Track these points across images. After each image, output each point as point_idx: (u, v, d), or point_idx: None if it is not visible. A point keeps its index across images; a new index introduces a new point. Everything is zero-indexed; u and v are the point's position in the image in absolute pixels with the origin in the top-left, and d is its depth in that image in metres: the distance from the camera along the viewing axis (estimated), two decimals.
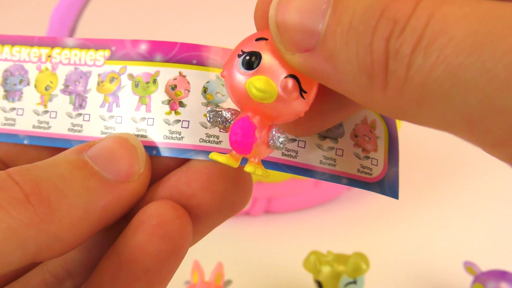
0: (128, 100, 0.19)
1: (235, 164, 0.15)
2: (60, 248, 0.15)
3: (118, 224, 0.17)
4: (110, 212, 0.16)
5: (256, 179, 0.42)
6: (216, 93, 0.18)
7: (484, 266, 0.35)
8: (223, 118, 0.16)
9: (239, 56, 0.15)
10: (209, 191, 0.17)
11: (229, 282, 0.35)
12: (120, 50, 0.19)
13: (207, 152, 0.18)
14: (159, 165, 0.18)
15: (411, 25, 0.12)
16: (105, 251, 0.17)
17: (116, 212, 0.16)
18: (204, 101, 0.18)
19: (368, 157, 0.19)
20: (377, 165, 0.19)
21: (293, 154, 0.18)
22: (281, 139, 0.15)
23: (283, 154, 0.18)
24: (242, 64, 0.15)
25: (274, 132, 0.15)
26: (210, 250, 0.41)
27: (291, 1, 0.13)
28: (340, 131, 0.19)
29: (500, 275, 0.33)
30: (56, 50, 0.20)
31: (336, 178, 0.18)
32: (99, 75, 0.19)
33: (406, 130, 0.53)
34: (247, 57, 0.15)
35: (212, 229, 0.18)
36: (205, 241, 0.42)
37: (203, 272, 0.34)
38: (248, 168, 0.15)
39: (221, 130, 0.17)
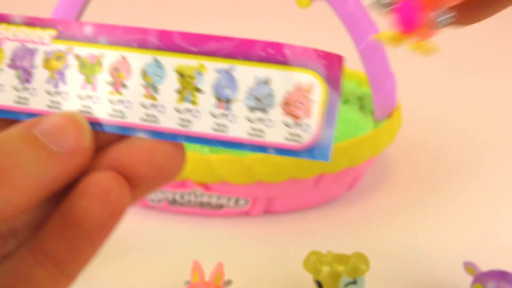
0: (74, 78, 0.20)
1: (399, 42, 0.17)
2: (12, 213, 0.17)
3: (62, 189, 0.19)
4: (59, 181, 0.18)
5: (255, 179, 0.42)
6: (154, 75, 0.19)
7: (484, 266, 0.36)
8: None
9: None
10: (148, 165, 0.19)
11: (229, 282, 0.35)
12: (66, 30, 0.20)
13: (147, 130, 0.19)
14: (102, 139, 0.20)
15: None
16: (48, 213, 0.19)
17: (64, 181, 0.18)
18: (143, 83, 0.19)
19: (298, 124, 0.19)
20: (308, 131, 0.19)
21: (223, 128, 0.19)
22: (445, 17, 0.16)
23: (213, 129, 0.19)
24: None
25: (439, 12, 0.17)
26: (210, 250, 0.41)
27: None
28: (270, 102, 0.19)
29: (500, 275, 0.33)
30: (3, 26, 0.21)
31: (262, 148, 0.19)
32: (45, 52, 0.20)
33: (406, 130, 0.53)
34: None
35: (147, 194, 0.20)
36: (205, 241, 0.42)
37: (203, 272, 0.34)
38: (413, 46, 0.17)
39: (386, 9, 0.19)
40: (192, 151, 0.43)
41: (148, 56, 0.19)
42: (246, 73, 0.19)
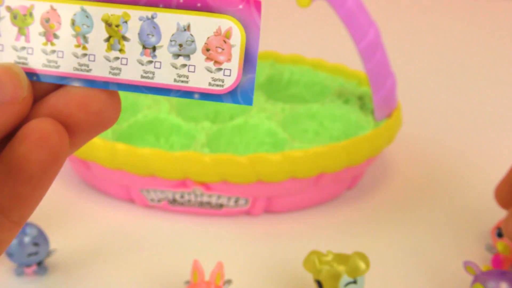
0: (8, 30, 0.21)
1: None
2: None
3: (3, 138, 0.20)
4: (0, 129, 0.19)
5: (255, 178, 0.42)
6: (82, 24, 0.20)
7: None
8: None
9: None
10: (84, 111, 0.20)
11: (229, 282, 0.35)
12: None
13: (80, 79, 0.20)
14: (39, 89, 0.21)
15: None
16: None
17: (4, 130, 0.19)
18: (74, 33, 0.20)
19: (220, 69, 0.20)
20: (230, 75, 0.20)
21: (150, 75, 0.20)
22: None
23: (142, 76, 0.20)
24: None
25: None
26: (210, 250, 0.41)
27: None
28: (192, 47, 0.20)
29: (500, 275, 0.33)
30: None
31: (188, 94, 0.20)
32: None
33: (406, 130, 0.53)
34: None
35: (86, 141, 0.21)
36: (205, 241, 0.42)
37: (203, 272, 0.34)
38: None
39: None
40: (193, 151, 0.43)
41: (75, 6, 0.20)
42: (168, 20, 0.19)
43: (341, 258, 0.33)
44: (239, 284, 0.37)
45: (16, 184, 0.19)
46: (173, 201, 0.44)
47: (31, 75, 0.21)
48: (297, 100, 0.55)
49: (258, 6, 0.19)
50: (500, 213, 0.42)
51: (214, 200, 0.44)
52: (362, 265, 0.33)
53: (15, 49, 0.21)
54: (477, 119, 0.62)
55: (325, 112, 0.50)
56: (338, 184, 0.47)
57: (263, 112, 0.49)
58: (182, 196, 0.44)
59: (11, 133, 0.20)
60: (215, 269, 0.34)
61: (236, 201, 0.44)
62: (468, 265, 0.36)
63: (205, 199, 0.44)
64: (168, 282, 0.38)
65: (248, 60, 0.19)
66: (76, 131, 0.20)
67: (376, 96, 0.46)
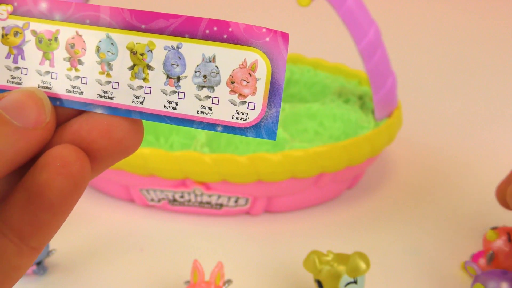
0: (32, 54, 0.21)
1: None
2: None
3: (25, 165, 0.20)
4: (22, 155, 0.19)
5: (255, 178, 0.42)
6: (107, 51, 0.20)
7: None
8: None
9: None
10: (107, 138, 0.20)
11: (229, 282, 0.35)
12: (22, 6, 0.21)
13: (103, 106, 0.20)
14: (62, 114, 0.20)
15: None
16: (12, 187, 0.20)
17: (27, 155, 0.19)
18: (98, 59, 0.20)
19: (244, 102, 0.19)
20: (254, 109, 0.19)
21: (174, 105, 0.20)
22: None
23: (165, 106, 0.20)
24: None
25: None
26: (210, 250, 0.41)
27: None
28: (217, 79, 0.19)
29: (501, 275, 0.33)
30: None
31: (212, 126, 0.20)
32: (3, 28, 0.21)
33: (406, 130, 0.53)
34: None
35: (107, 167, 0.21)
36: (205, 241, 0.42)
37: (203, 272, 0.34)
38: None
39: None
40: (193, 150, 0.43)
41: (101, 33, 0.20)
42: (193, 51, 0.19)
43: (341, 258, 0.33)
44: (239, 284, 0.37)
45: (37, 212, 0.19)
46: (173, 201, 0.44)
47: (55, 100, 0.20)
48: (297, 99, 0.55)
49: (285, 39, 0.19)
50: (500, 213, 0.42)
51: (214, 200, 0.44)
52: (362, 265, 0.33)
53: (39, 73, 0.21)
54: (477, 119, 0.62)
55: (325, 112, 0.50)
56: (338, 184, 0.46)
57: None
58: (182, 196, 0.44)
59: (33, 158, 0.20)
60: (215, 269, 0.34)
61: (236, 201, 0.44)
62: (468, 265, 0.36)
63: (205, 198, 0.43)
64: (168, 282, 0.38)
65: (273, 94, 0.19)
66: (97, 157, 0.20)
67: (376, 96, 0.46)
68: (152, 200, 0.45)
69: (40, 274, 0.38)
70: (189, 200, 0.44)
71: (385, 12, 0.73)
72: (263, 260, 0.41)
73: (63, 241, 0.41)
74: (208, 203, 0.44)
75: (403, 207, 0.47)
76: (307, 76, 0.56)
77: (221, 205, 0.44)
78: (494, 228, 0.38)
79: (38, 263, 0.38)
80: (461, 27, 0.87)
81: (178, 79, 0.20)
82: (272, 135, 0.19)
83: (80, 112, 0.20)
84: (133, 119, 0.20)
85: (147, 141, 0.48)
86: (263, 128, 0.19)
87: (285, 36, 0.19)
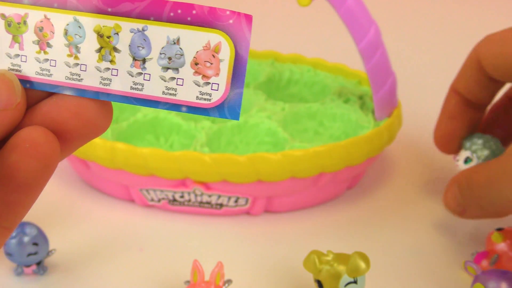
0: (2, 38, 0.21)
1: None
2: None
3: None
4: None
5: (255, 178, 0.41)
6: (75, 34, 0.20)
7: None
8: None
9: None
10: (76, 119, 0.20)
11: (229, 281, 0.35)
12: None
13: (72, 88, 0.21)
14: (32, 96, 0.21)
15: None
16: None
17: None
18: (66, 42, 0.20)
19: (208, 83, 0.20)
20: (217, 90, 0.20)
21: (140, 87, 0.20)
22: None
23: (131, 88, 0.20)
24: None
25: None
26: (210, 250, 0.41)
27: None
28: (181, 61, 0.20)
29: (501, 274, 0.33)
30: None
31: (176, 106, 0.20)
32: None
33: (406, 130, 0.53)
34: None
35: (77, 148, 0.21)
36: (205, 241, 0.42)
37: (203, 272, 0.34)
38: None
39: None
40: (192, 150, 0.43)
41: (68, 16, 0.20)
42: (158, 33, 0.20)
43: (342, 258, 0.33)
44: (239, 284, 0.37)
45: (7, 192, 0.19)
46: (173, 201, 0.44)
47: (25, 82, 0.21)
48: (297, 99, 0.55)
49: (249, 21, 0.19)
50: None
51: (214, 199, 0.44)
52: (362, 265, 0.33)
53: (9, 56, 0.21)
54: None
55: (325, 112, 0.50)
56: (338, 184, 0.46)
57: (263, 112, 0.49)
58: (182, 196, 0.44)
59: (3, 140, 0.20)
60: (215, 269, 0.34)
61: (236, 200, 0.44)
62: (468, 265, 0.36)
63: (205, 198, 0.43)
64: (168, 282, 0.38)
65: (237, 75, 0.19)
66: (67, 138, 0.20)
67: (376, 96, 0.46)
68: (152, 200, 0.45)
69: (40, 274, 0.38)
70: (189, 200, 0.44)
71: (385, 12, 0.73)
72: (263, 260, 0.40)
73: (63, 241, 0.41)
74: (208, 203, 0.44)
75: (403, 207, 0.47)
76: (307, 76, 0.56)
77: (221, 205, 0.44)
78: (499, 230, 0.38)
79: (38, 263, 0.38)
80: (461, 27, 0.87)
81: (144, 61, 0.20)
82: (235, 115, 0.20)
83: (49, 95, 0.21)
84: (98, 102, 0.20)
85: (147, 141, 0.48)
86: (227, 109, 0.20)
87: (248, 18, 0.19)
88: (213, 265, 0.35)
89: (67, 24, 0.20)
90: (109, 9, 0.20)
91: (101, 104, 0.20)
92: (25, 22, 0.21)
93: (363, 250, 0.35)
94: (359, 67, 0.50)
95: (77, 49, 0.20)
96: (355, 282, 0.33)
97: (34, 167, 0.19)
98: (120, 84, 0.20)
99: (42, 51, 0.21)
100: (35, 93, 0.21)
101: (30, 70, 0.21)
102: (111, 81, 0.20)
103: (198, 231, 0.44)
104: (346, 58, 0.56)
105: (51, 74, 0.21)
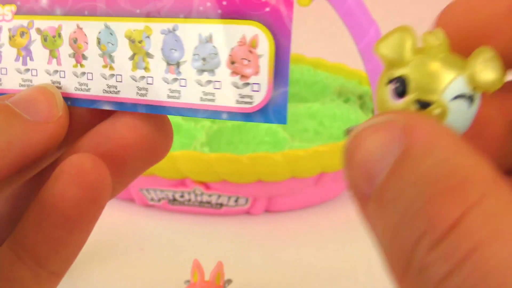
0: (40, 54, 0.20)
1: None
2: None
3: (44, 178, 0.18)
4: (33, 149, 0.17)
5: (255, 178, 0.41)
6: (108, 42, 0.19)
7: None
8: None
9: None
10: (134, 133, 0.18)
11: (229, 281, 0.35)
12: (24, 4, 0.20)
13: (110, 102, 0.19)
14: (75, 116, 0.19)
15: (444, 246, 0.11)
16: (29, 205, 0.18)
17: (39, 150, 0.18)
18: (100, 52, 0.19)
19: (247, 84, 0.17)
20: (259, 91, 0.17)
21: (177, 94, 0.18)
22: None
23: (168, 96, 0.18)
24: None
25: None
26: (210, 249, 0.41)
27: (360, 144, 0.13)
28: (216, 61, 0.17)
29: None
30: None
31: (216, 114, 0.18)
32: (9, 29, 0.20)
33: None
34: None
35: (134, 178, 0.19)
36: (205, 241, 0.42)
37: (203, 272, 0.34)
38: None
39: None
40: (192, 149, 0.43)
41: (99, 23, 0.19)
42: (190, 32, 0.17)
43: (455, 60, 0.17)
44: (239, 284, 0.37)
45: (51, 228, 0.17)
46: (173, 201, 0.44)
47: (66, 100, 0.19)
48: (297, 99, 0.55)
49: (289, 6, 0.17)
50: None
51: (214, 199, 0.44)
52: (497, 74, 0.16)
53: (48, 73, 0.20)
54: None
55: (326, 111, 0.50)
56: (338, 184, 0.46)
57: None
58: (182, 196, 0.44)
59: (47, 168, 0.18)
60: (215, 269, 0.34)
61: (236, 200, 0.44)
62: None
63: (205, 198, 0.43)
64: (168, 281, 0.38)
65: (279, 71, 0.17)
66: (122, 165, 0.18)
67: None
68: (152, 199, 0.45)
69: None
70: (189, 200, 0.44)
71: (385, 12, 0.73)
72: (263, 260, 0.40)
73: None
74: (208, 202, 0.44)
75: None
76: (307, 75, 0.56)
77: (221, 205, 0.44)
78: None
79: None
80: None
81: (178, 65, 0.18)
82: (282, 119, 0.17)
83: (100, 120, 0.19)
84: (157, 120, 0.19)
85: None
86: (272, 112, 0.17)
87: (288, 3, 0.16)
88: (213, 264, 0.35)
89: (99, 32, 0.19)
90: (138, 11, 0.18)
91: (156, 121, 0.18)
92: (59, 35, 0.20)
93: (363, 250, 0.35)
94: (359, 67, 0.50)
95: (111, 59, 0.19)
96: (470, 98, 0.16)
97: (80, 197, 0.17)
98: (157, 93, 0.18)
99: (79, 64, 0.19)
100: (76, 111, 0.19)
101: (70, 86, 0.20)
102: (147, 91, 0.18)
103: (198, 231, 0.44)
104: (346, 58, 0.56)
105: (89, 89, 0.19)
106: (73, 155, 0.18)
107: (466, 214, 0.11)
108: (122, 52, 0.19)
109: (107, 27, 0.19)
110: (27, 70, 0.20)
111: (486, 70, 0.15)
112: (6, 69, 0.20)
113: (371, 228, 0.13)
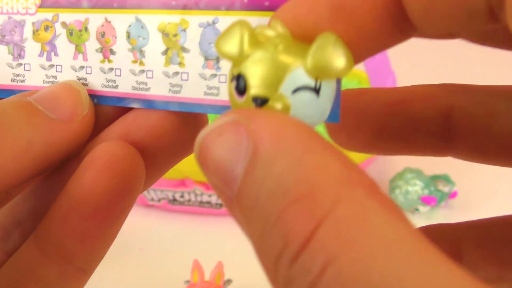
0: (65, 49, 0.19)
1: None
2: (3, 180, 0.15)
3: (70, 170, 0.17)
4: (55, 149, 0.16)
5: None
6: (138, 36, 0.18)
7: None
8: None
9: None
10: (168, 121, 0.17)
11: (229, 281, 0.35)
12: None
13: (139, 100, 0.18)
14: (102, 115, 0.18)
15: (302, 261, 0.10)
16: (55, 198, 0.17)
17: (62, 150, 0.17)
18: (130, 46, 0.18)
19: None
20: None
21: (215, 91, 0.17)
22: None
23: (205, 93, 0.17)
24: None
25: None
26: (210, 250, 0.41)
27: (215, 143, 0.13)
28: None
29: None
30: None
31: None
32: (33, 23, 0.19)
33: None
34: None
35: (167, 169, 0.18)
36: (205, 240, 0.42)
37: (203, 272, 0.34)
38: None
39: None
40: None
41: (130, 16, 0.18)
42: None
43: (297, 47, 0.15)
44: (239, 283, 0.37)
45: (81, 220, 0.16)
46: (173, 201, 0.44)
47: (92, 97, 0.18)
48: None
49: None
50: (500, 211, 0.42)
51: (214, 199, 0.44)
52: (339, 58, 0.14)
53: (73, 69, 0.19)
54: None
55: None
56: None
57: None
58: (182, 196, 0.44)
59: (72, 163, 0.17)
60: (215, 269, 0.34)
61: None
62: None
63: (205, 198, 0.43)
64: (168, 281, 0.38)
65: None
66: (155, 152, 0.17)
67: None
68: (152, 199, 0.45)
69: None
70: (189, 200, 0.44)
71: None
72: None
73: None
74: (208, 202, 0.44)
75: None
76: None
77: (221, 205, 0.44)
78: None
79: None
80: None
81: (217, 60, 0.17)
82: (334, 117, 0.15)
83: (123, 113, 0.18)
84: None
85: None
86: None
87: None
88: (213, 264, 0.35)
89: (129, 26, 0.18)
90: (173, 3, 0.17)
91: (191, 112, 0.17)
92: (86, 29, 0.18)
93: None
94: (359, 66, 0.50)
95: (142, 53, 0.17)
96: (315, 89, 0.14)
97: (112, 187, 0.15)
98: (193, 90, 0.17)
99: (106, 60, 0.18)
100: (102, 109, 0.18)
101: (97, 82, 0.18)
102: (181, 88, 0.17)
103: (198, 230, 0.44)
104: None
105: (117, 86, 0.18)
106: (104, 143, 0.16)
107: (319, 226, 0.10)
108: (154, 46, 0.17)
109: (138, 20, 0.18)
110: (52, 66, 0.19)
111: (329, 57, 0.14)
112: (30, 65, 0.19)
113: (242, 228, 0.12)
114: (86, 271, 0.17)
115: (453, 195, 0.47)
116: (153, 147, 0.17)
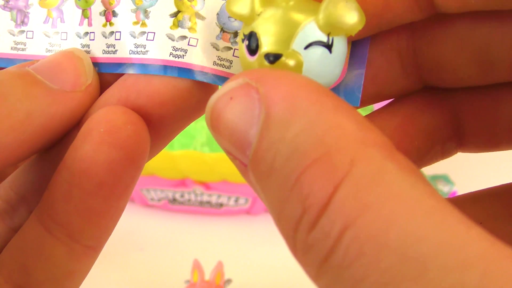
0: (72, 14, 0.17)
1: None
2: (2, 153, 0.14)
3: (72, 140, 0.16)
4: (57, 120, 0.15)
5: None
6: None
7: None
8: None
9: None
10: (171, 86, 0.15)
11: (229, 281, 0.35)
12: None
13: (134, 65, 0.16)
14: (103, 84, 0.17)
15: (321, 226, 0.10)
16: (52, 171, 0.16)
17: (64, 121, 0.15)
18: (133, 7, 0.16)
19: None
20: None
21: (227, 64, 0.16)
22: None
23: (215, 63, 0.16)
24: None
25: None
26: (210, 249, 0.41)
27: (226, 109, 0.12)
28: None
29: None
30: None
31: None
32: None
33: None
34: None
35: (174, 135, 0.17)
36: (205, 240, 0.42)
37: (203, 271, 0.34)
38: None
39: None
40: (192, 149, 0.43)
41: None
42: None
43: (307, 7, 0.15)
44: (239, 283, 0.37)
45: (84, 195, 0.14)
46: (173, 200, 0.44)
47: (94, 65, 0.17)
48: None
49: None
50: None
51: (214, 199, 0.44)
52: (353, 15, 0.14)
53: (78, 35, 0.17)
54: None
55: None
56: None
57: None
58: (182, 196, 0.44)
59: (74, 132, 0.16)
60: (215, 268, 0.34)
61: (236, 200, 0.44)
62: None
63: (205, 198, 0.43)
64: (168, 281, 0.38)
65: (356, 52, 0.15)
66: (162, 117, 0.16)
67: None
68: (152, 199, 0.45)
69: None
70: (189, 200, 0.44)
71: None
72: (263, 259, 0.40)
73: None
74: (208, 202, 0.44)
75: None
76: None
77: (221, 205, 0.44)
78: None
79: None
80: None
81: (236, 34, 0.15)
82: (354, 100, 0.15)
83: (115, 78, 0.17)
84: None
85: None
86: (343, 93, 0.15)
87: None
88: (213, 264, 0.35)
89: None
90: None
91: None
92: None
93: None
94: None
95: (146, 14, 0.16)
96: (327, 46, 0.14)
97: (114, 159, 0.14)
98: (200, 57, 0.16)
99: (108, 23, 0.17)
100: (103, 78, 0.17)
101: (98, 49, 0.17)
102: (186, 52, 0.16)
103: (198, 230, 0.44)
104: None
105: (116, 50, 0.16)
106: (102, 109, 0.15)
107: (337, 189, 0.10)
108: (162, 7, 0.16)
109: None
110: (56, 33, 0.18)
111: (341, 12, 0.13)
112: (33, 32, 0.18)
113: (259, 196, 0.12)
114: (95, 248, 0.16)
115: (452, 195, 0.47)
116: (157, 114, 0.16)
